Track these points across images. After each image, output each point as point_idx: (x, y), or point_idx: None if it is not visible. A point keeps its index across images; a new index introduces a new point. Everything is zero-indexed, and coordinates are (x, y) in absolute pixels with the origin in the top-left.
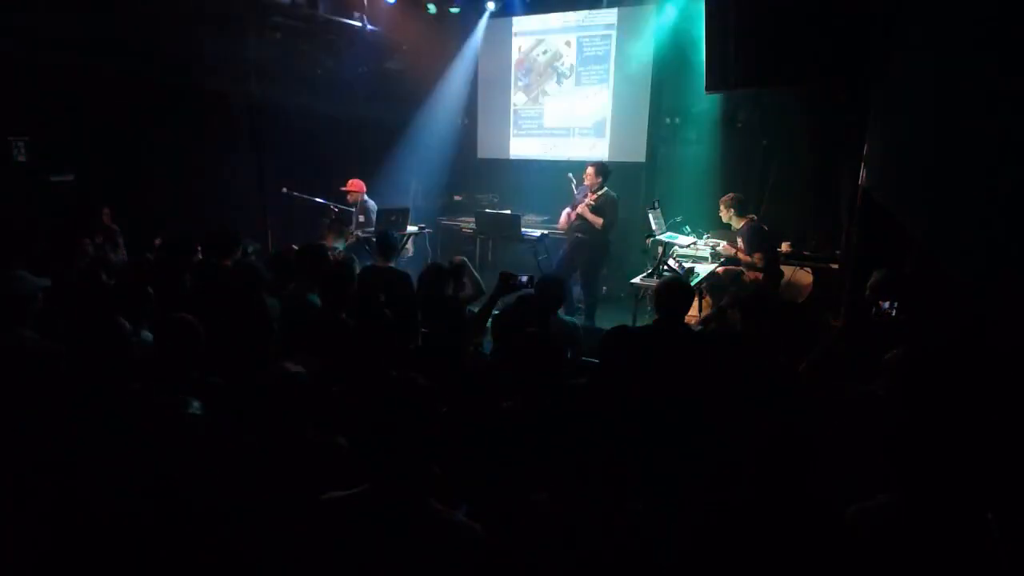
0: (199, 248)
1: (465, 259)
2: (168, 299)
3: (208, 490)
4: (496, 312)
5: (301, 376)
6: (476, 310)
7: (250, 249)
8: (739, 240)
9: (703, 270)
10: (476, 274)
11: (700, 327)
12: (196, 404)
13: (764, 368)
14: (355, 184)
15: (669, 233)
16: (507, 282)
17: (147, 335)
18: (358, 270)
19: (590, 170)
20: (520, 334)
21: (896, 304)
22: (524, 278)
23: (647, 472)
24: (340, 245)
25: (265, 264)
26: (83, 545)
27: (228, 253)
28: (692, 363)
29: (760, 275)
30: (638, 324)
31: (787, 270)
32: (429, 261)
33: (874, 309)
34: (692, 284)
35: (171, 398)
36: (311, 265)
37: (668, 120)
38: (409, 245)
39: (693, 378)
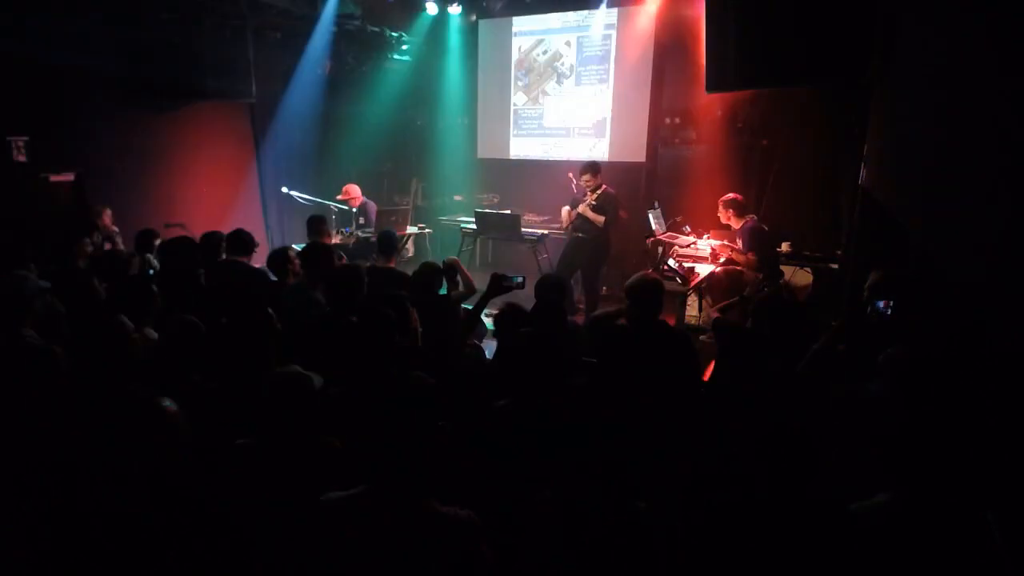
0: (220, 247)
1: (457, 259)
2: (175, 298)
3: (208, 491)
4: (495, 313)
5: (311, 378)
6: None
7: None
8: (738, 240)
9: (703, 270)
10: (468, 273)
11: (719, 314)
12: (169, 402)
13: (764, 367)
14: (350, 190)
15: (669, 233)
16: (499, 283)
17: (151, 333)
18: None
19: (586, 175)
20: (516, 334)
21: (892, 304)
22: (518, 279)
23: (649, 471)
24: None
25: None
26: (83, 545)
27: (247, 252)
28: (676, 359)
29: (759, 275)
30: None
31: (787, 270)
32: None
33: (869, 309)
34: (692, 284)
35: (148, 395)
36: (314, 263)
37: (668, 120)
38: (409, 245)
39: (679, 374)
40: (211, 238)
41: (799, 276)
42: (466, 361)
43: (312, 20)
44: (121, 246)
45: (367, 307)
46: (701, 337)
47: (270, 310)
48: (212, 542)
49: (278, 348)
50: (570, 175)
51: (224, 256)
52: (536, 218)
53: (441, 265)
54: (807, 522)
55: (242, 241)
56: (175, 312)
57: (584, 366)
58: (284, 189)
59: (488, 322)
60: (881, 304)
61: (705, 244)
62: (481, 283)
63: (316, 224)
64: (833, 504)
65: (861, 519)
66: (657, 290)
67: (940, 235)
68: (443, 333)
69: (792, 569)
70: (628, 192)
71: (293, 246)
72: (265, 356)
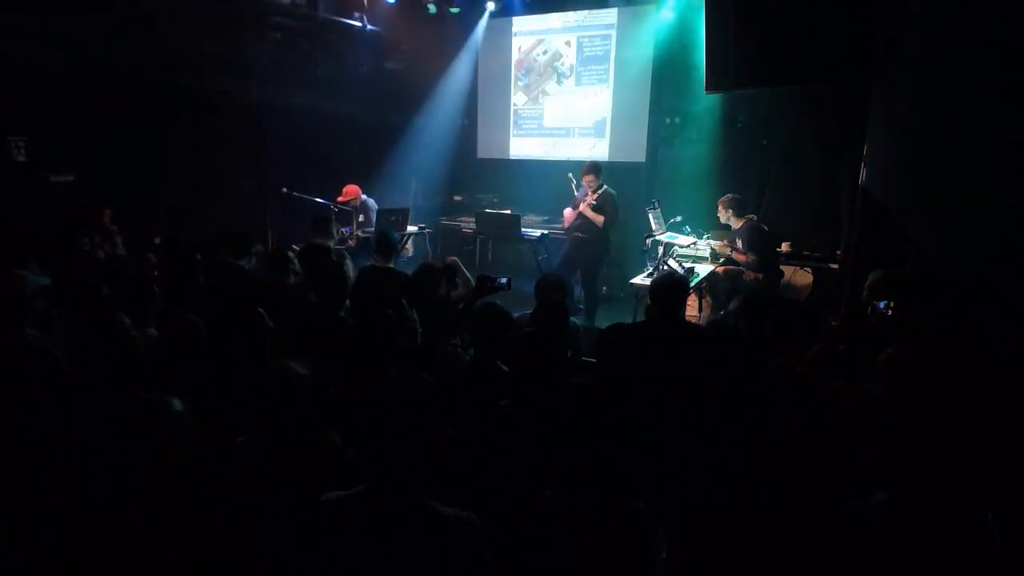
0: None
1: (457, 259)
2: (174, 298)
3: (208, 491)
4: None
5: (304, 377)
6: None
7: (254, 249)
8: (738, 240)
9: (703, 270)
10: (468, 274)
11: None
12: (177, 403)
13: (764, 367)
14: (350, 191)
15: (669, 233)
16: (484, 284)
17: (152, 332)
18: (351, 269)
19: (588, 175)
20: (520, 334)
21: (892, 304)
22: (503, 280)
23: (650, 471)
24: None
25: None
26: (83, 545)
27: (242, 253)
28: (691, 360)
29: (759, 275)
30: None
31: (787, 270)
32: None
33: (870, 309)
34: (692, 284)
35: (154, 395)
36: (313, 264)
37: (668, 120)
38: (409, 245)
39: (692, 375)
40: (209, 238)
41: (799, 276)
42: (449, 360)
43: (312, 20)
44: (121, 246)
45: (366, 307)
46: None
47: (261, 310)
48: (212, 542)
49: (276, 348)
50: (569, 175)
51: (219, 257)
52: (536, 218)
53: (441, 266)
54: (807, 522)
55: (234, 242)
56: (175, 312)
57: (584, 366)
58: (284, 189)
59: None
60: (882, 304)
61: (705, 244)
62: None
63: (320, 225)
64: (833, 504)
65: (860, 518)
66: (677, 289)
67: (940, 235)
68: (443, 334)
69: (792, 569)
70: (628, 192)
71: (293, 246)
72: (261, 356)
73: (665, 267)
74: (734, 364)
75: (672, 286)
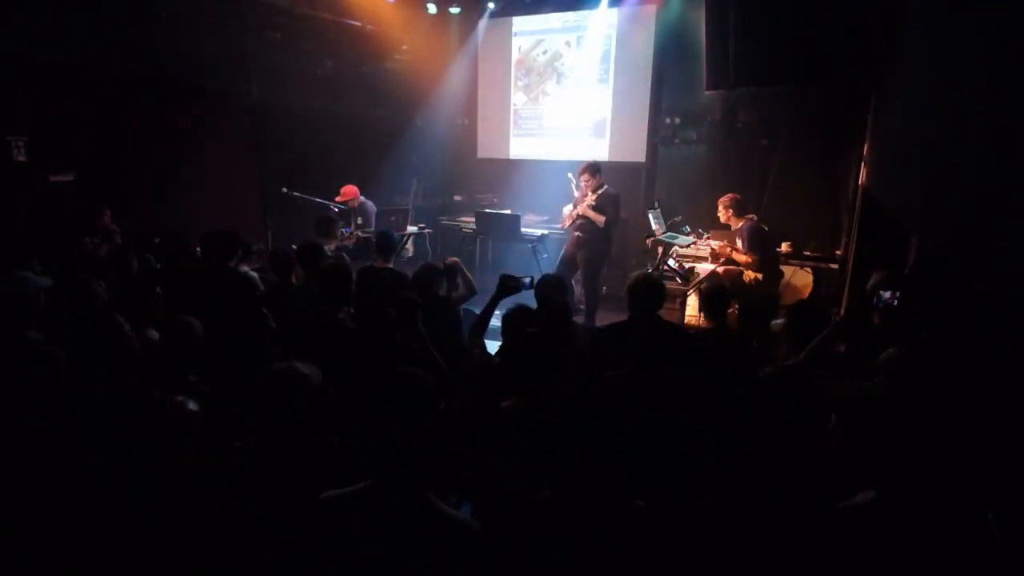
0: (198, 249)
1: (458, 259)
2: (174, 298)
3: (210, 491)
4: (501, 313)
5: (307, 376)
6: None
7: (253, 249)
8: (738, 240)
9: (703, 270)
10: (468, 274)
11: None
12: (192, 403)
13: (758, 366)
14: (347, 191)
15: (669, 233)
16: (507, 284)
17: (153, 334)
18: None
19: (585, 175)
20: (522, 334)
21: (898, 295)
22: (527, 280)
23: (650, 470)
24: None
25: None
26: (83, 545)
27: (229, 255)
28: (676, 359)
29: (759, 275)
30: None
31: (787, 270)
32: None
33: (875, 299)
34: (692, 284)
35: (169, 396)
36: (312, 263)
37: (668, 120)
38: (409, 245)
39: (680, 375)
40: (208, 239)
41: (799, 276)
42: (475, 363)
43: (312, 20)
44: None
45: (368, 307)
46: None
47: (265, 310)
48: (213, 542)
49: (277, 349)
50: (569, 175)
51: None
52: (536, 218)
53: (442, 266)
54: (806, 522)
55: (221, 243)
56: (175, 312)
57: (584, 366)
58: (284, 189)
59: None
60: (887, 295)
61: (705, 244)
62: (481, 284)
63: (323, 225)
64: (831, 504)
65: (849, 517)
66: (650, 288)
67: (940, 235)
68: (444, 335)
69: (793, 568)
70: (628, 192)
71: (292, 246)
72: (263, 356)
73: (665, 267)
74: (725, 364)
75: (647, 286)
